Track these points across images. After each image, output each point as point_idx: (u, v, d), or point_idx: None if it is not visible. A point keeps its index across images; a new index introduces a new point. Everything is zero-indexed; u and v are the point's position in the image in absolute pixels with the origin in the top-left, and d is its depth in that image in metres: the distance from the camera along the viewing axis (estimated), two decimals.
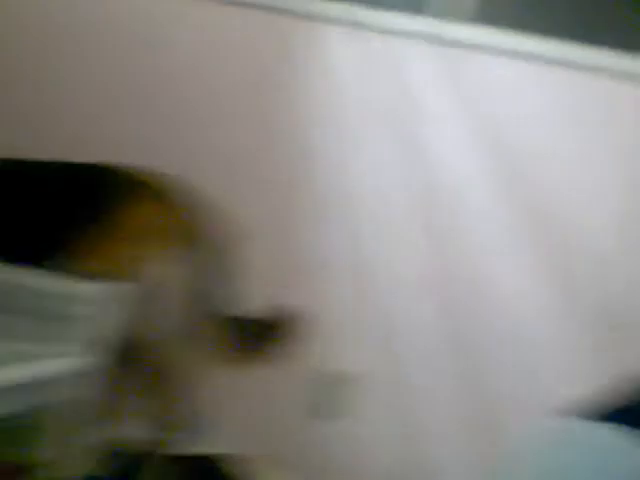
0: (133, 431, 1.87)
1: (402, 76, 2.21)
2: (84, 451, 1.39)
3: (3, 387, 0.99)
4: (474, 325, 2.19)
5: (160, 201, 1.81)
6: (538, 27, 2.20)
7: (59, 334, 1.32)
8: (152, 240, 1.74)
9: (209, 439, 2.01)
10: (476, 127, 2.20)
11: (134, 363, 1.68)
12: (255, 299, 1.91)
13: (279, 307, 1.90)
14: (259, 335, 1.89)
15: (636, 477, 1.15)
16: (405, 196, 2.23)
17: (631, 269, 2.16)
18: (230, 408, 2.15)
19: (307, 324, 1.94)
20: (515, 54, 2.19)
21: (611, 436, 1.18)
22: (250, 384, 2.16)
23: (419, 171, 2.24)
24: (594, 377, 1.92)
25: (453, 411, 2.16)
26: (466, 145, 2.20)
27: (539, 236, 2.19)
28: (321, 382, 2.17)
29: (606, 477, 1.15)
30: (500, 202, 2.20)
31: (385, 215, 2.23)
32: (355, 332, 2.19)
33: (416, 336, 2.18)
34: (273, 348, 1.90)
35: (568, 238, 2.18)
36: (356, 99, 2.24)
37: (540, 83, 2.20)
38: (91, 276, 1.52)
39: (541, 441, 1.13)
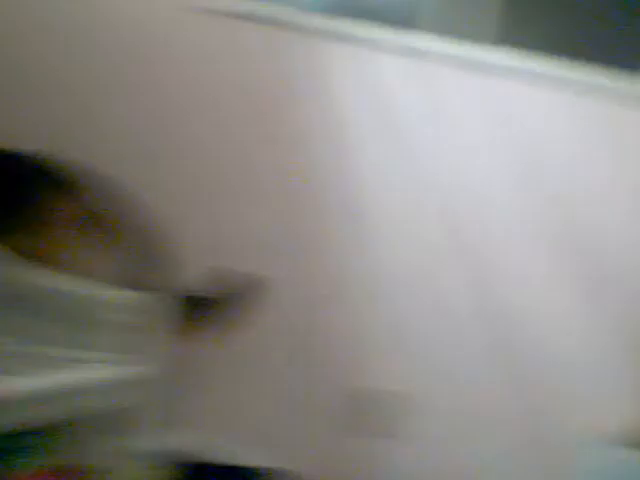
0: (181, 439, 1.96)
1: (420, 96, 2.22)
2: (138, 459, 1.42)
3: (46, 392, 1.02)
4: (521, 344, 2.19)
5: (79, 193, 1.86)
6: (560, 50, 2.23)
7: (103, 341, 1.38)
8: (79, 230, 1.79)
9: (251, 453, 2.05)
10: (504, 150, 2.23)
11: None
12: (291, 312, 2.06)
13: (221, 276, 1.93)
14: (205, 307, 1.90)
15: None
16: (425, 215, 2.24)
17: None
18: (272, 423, 2.17)
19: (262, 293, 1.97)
20: (538, 77, 2.20)
21: None
22: (293, 399, 2.18)
23: (431, 188, 2.24)
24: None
25: (498, 431, 2.17)
26: (492, 167, 2.22)
27: (582, 258, 2.21)
28: (365, 400, 2.17)
29: None
30: (539, 224, 2.22)
31: (422, 232, 2.21)
32: (400, 349, 2.18)
33: (461, 355, 2.18)
34: (220, 319, 1.92)
35: (606, 261, 2.21)
36: (366, 117, 2.23)
37: (569, 108, 2.22)
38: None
39: (591, 467, 1.15)
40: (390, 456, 2.18)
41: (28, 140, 2.02)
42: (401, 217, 2.23)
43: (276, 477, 2.04)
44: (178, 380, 1.98)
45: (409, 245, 2.23)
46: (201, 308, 1.90)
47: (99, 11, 2.27)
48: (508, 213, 2.23)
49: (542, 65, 2.21)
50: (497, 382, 2.18)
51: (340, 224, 2.24)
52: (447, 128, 2.23)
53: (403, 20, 2.32)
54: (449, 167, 2.24)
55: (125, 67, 2.26)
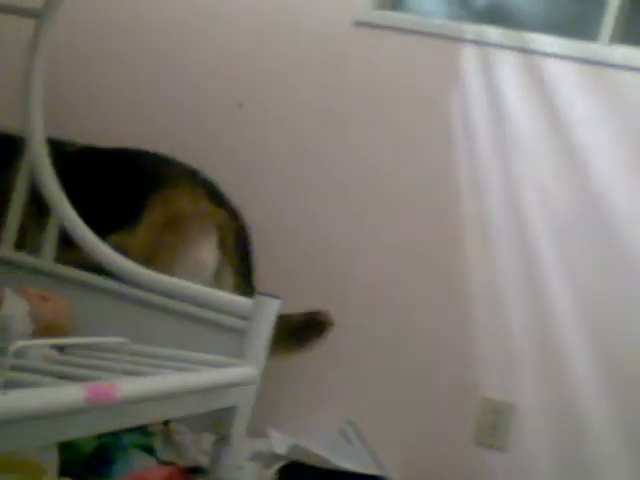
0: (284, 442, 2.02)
1: (566, 99, 2.19)
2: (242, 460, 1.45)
3: (159, 392, 1.04)
4: (633, 351, 2.11)
5: (203, 191, 1.92)
6: None
7: (220, 344, 1.43)
8: (195, 226, 1.85)
9: (373, 462, 2.07)
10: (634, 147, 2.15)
11: None
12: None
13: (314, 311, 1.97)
14: (295, 332, 1.94)
15: None
16: (574, 214, 2.17)
17: None
18: (396, 434, 2.19)
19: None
20: None
21: None
22: (417, 411, 2.20)
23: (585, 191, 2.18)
24: None
25: (616, 441, 2.10)
26: (630, 167, 2.15)
27: None
28: (488, 412, 2.16)
29: None
30: None
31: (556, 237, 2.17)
32: (521, 362, 2.16)
33: (577, 366, 2.12)
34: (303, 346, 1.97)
35: None
36: (524, 121, 2.21)
37: None
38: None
39: None
40: (512, 468, 2.14)
41: (148, 141, 2.09)
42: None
43: None
44: (280, 382, 2.00)
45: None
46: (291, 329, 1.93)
47: (261, 26, 2.34)
48: None
49: None
50: (603, 394, 2.10)
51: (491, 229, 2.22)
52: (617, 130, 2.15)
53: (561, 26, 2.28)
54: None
55: (289, 83, 2.32)
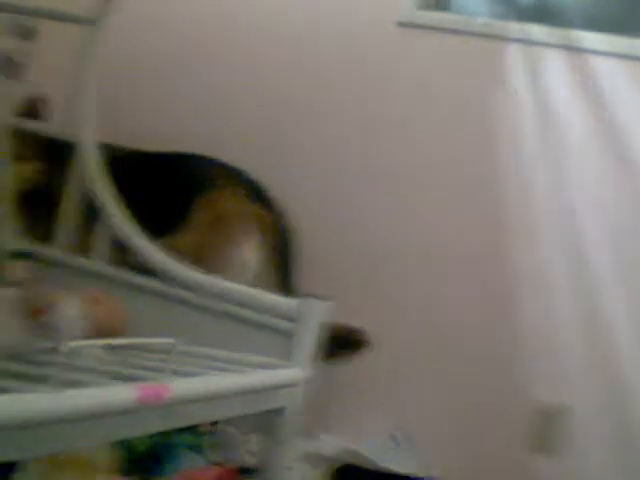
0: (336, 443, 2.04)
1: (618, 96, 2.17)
2: (292, 461, 1.47)
3: (209, 393, 1.06)
4: None
5: (248, 193, 1.95)
6: None
7: (267, 345, 1.43)
8: (240, 227, 1.86)
9: (422, 467, 2.08)
10: None
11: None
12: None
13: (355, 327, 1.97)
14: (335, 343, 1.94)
15: None
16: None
17: None
18: (447, 439, 2.20)
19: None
20: None
21: None
22: (467, 415, 2.20)
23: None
24: None
25: None
26: None
27: None
28: (543, 415, 2.15)
29: None
30: None
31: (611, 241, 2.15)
32: (573, 364, 2.15)
33: (632, 368, 2.11)
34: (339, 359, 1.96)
35: None
36: (572, 121, 2.21)
37: None
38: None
39: None
40: (568, 472, 2.11)
41: (194, 143, 2.12)
42: None
43: None
44: (331, 385, 2.00)
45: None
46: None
47: (305, 27, 2.36)
48: None
49: None
50: None
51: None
52: None
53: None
54: None
55: (333, 84, 2.33)
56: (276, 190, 2.06)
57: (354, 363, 2.04)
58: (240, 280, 1.81)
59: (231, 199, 1.94)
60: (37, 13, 2.00)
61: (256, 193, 1.99)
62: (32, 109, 1.79)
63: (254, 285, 1.83)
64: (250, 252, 1.92)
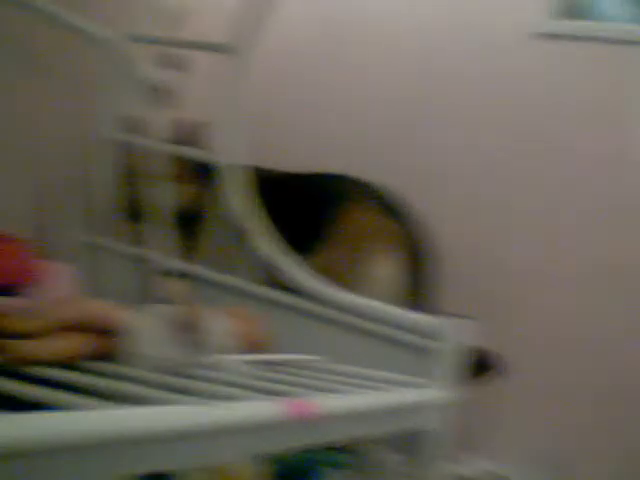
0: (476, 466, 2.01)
1: None
2: None
3: (367, 411, 1.08)
4: None
5: (383, 208, 1.97)
6: None
7: (407, 364, 1.44)
8: (375, 243, 1.87)
9: None
10: None
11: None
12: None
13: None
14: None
15: None
16: None
17: None
18: (601, 460, 2.13)
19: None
20: None
21: None
22: (622, 433, 2.13)
23: None
24: None
25: None
26: None
27: None
28: None
29: None
30: None
31: None
32: None
33: None
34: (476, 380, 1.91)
35: None
36: None
37: None
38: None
39: None
40: None
41: (331, 161, 2.16)
42: None
43: None
44: (474, 406, 1.95)
45: None
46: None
47: (437, 42, 2.36)
48: None
49: None
50: None
51: None
52: None
53: None
54: None
55: (475, 103, 2.31)
56: (415, 205, 2.04)
57: (498, 384, 1.98)
58: (376, 296, 1.82)
59: (366, 214, 1.95)
60: (187, 44, 2.11)
61: (391, 208, 1.99)
62: (189, 135, 1.89)
63: (389, 301, 1.84)
64: (386, 268, 1.92)
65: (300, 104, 2.51)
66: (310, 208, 1.95)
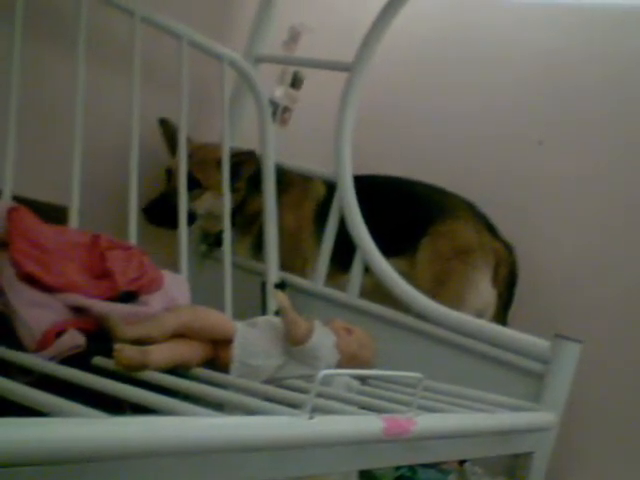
0: None
1: None
2: None
3: (468, 432, 1.08)
4: None
5: (483, 224, 1.98)
6: None
7: (513, 386, 1.43)
8: (479, 259, 1.86)
9: None
10: None
11: None
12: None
13: None
14: None
15: None
16: None
17: None
18: None
19: None
20: None
21: None
22: None
23: None
24: None
25: None
26: None
27: None
28: None
29: None
30: None
31: None
32: None
33: None
34: None
35: None
36: None
37: None
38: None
39: None
40: None
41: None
42: None
43: None
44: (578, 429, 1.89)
45: None
46: None
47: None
48: None
49: None
50: None
51: None
52: None
53: None
54: None
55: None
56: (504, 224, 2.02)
57: (597, 406, 1.91)
58: (473, 310, 1.83)
59: (471, 230, 1.94)
60: (303, 62, 2.17)
61: (490, 225, 1.98)
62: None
63: (482, 316, 1.82)
64: (486, 284, 1.91)
65: (422, 111, 2.48)
66: (406, 215, 1.96)
